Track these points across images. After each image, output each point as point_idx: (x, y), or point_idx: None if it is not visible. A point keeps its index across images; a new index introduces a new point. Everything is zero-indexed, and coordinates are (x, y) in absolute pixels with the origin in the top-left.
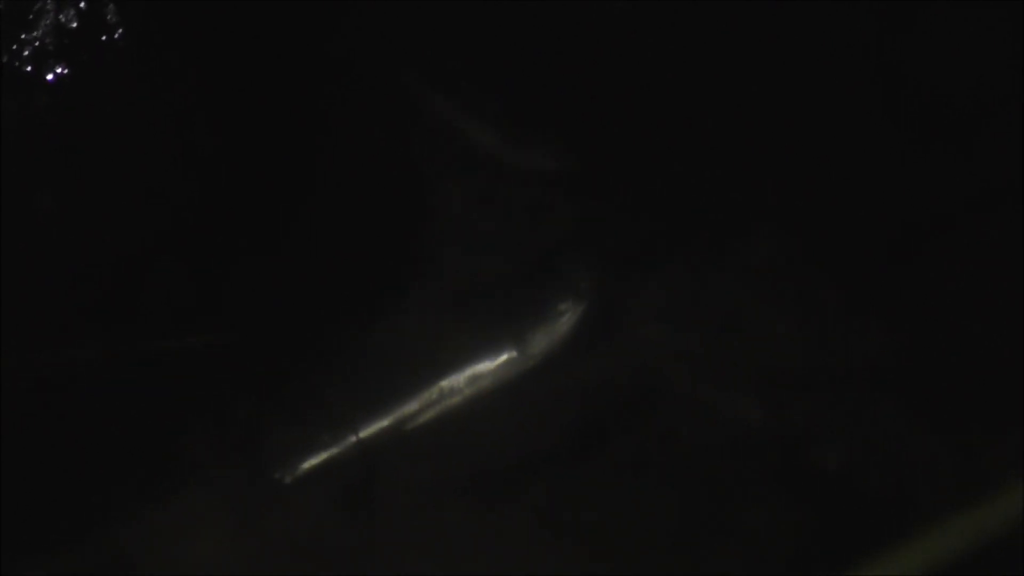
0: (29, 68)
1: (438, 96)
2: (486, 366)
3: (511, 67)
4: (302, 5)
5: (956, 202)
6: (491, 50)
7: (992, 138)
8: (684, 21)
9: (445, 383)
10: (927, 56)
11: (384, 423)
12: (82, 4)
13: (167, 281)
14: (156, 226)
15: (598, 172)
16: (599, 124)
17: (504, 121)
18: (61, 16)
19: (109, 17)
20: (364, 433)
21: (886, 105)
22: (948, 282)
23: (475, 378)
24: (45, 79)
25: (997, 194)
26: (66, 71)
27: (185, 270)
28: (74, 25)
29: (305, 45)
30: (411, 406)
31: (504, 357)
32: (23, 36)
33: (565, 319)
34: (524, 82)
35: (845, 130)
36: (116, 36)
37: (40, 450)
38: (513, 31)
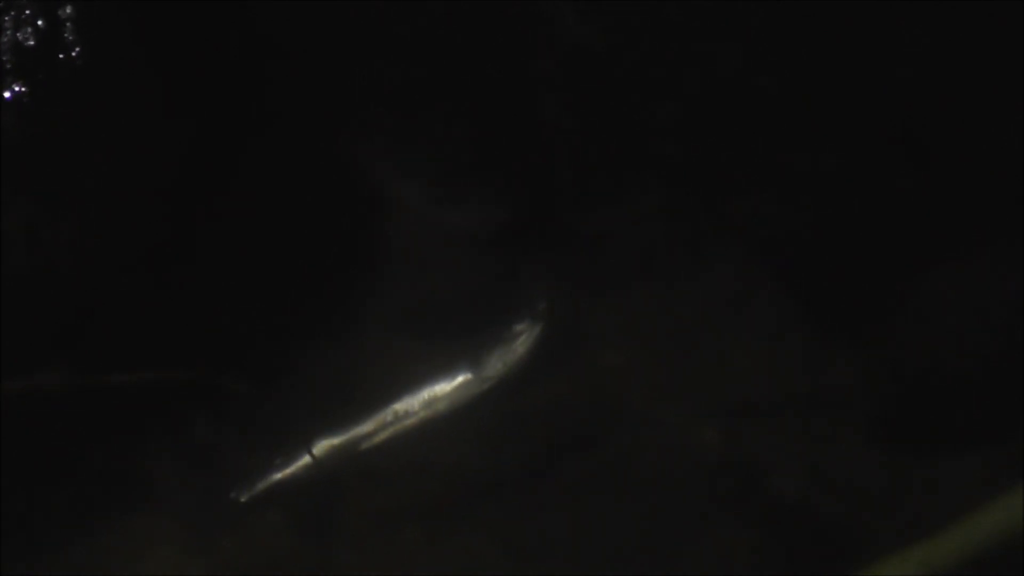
0: None
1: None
2: (442, 388)
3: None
4: (262, 34)
5: (928, 231)
6: (458, 61)
7: (971, 171)
8: (639, 35)
9: (400, 405)
10: (911, 75)
11: (340, 445)
12: (40, 23)
13: (129, 302)
14: (118, 245)
15: (559, 193)
16: (562, 144)
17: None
18: (19, 35)
19: (67, 36)
20: (320, 455)
21: (861, 130)
22: (911, 311)
23: (431, 400)
24: (3, 97)
25: (974, 222)
26: (24, 89)
27: (146, 291)
28: (32, 44)
29: (262, 69)
30: (367, 428)
31: (460, 379)
32: None
33: (522, 341)
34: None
35: (812, 156)
36: (74, 55)
37: None
38: (472, 51)
